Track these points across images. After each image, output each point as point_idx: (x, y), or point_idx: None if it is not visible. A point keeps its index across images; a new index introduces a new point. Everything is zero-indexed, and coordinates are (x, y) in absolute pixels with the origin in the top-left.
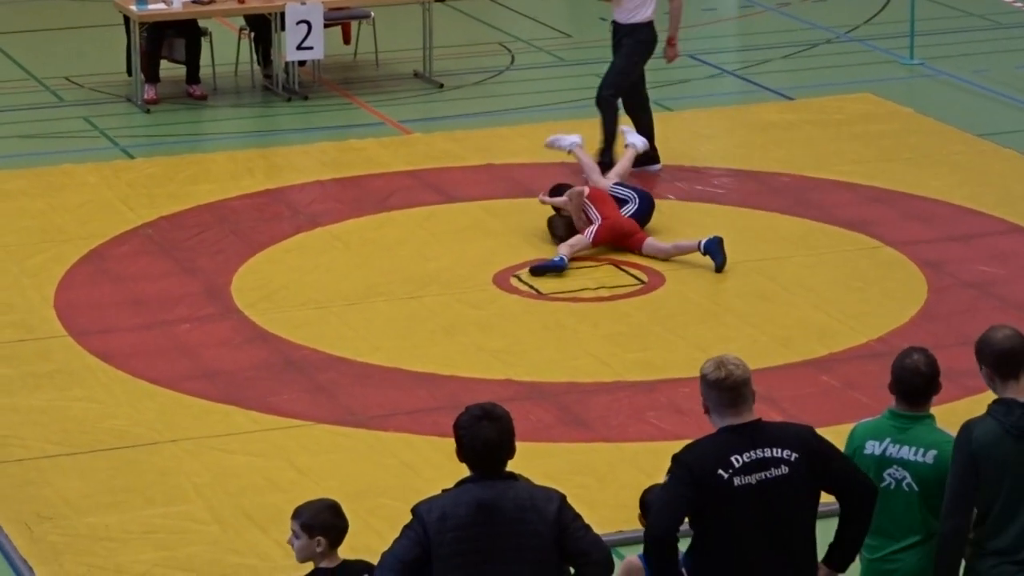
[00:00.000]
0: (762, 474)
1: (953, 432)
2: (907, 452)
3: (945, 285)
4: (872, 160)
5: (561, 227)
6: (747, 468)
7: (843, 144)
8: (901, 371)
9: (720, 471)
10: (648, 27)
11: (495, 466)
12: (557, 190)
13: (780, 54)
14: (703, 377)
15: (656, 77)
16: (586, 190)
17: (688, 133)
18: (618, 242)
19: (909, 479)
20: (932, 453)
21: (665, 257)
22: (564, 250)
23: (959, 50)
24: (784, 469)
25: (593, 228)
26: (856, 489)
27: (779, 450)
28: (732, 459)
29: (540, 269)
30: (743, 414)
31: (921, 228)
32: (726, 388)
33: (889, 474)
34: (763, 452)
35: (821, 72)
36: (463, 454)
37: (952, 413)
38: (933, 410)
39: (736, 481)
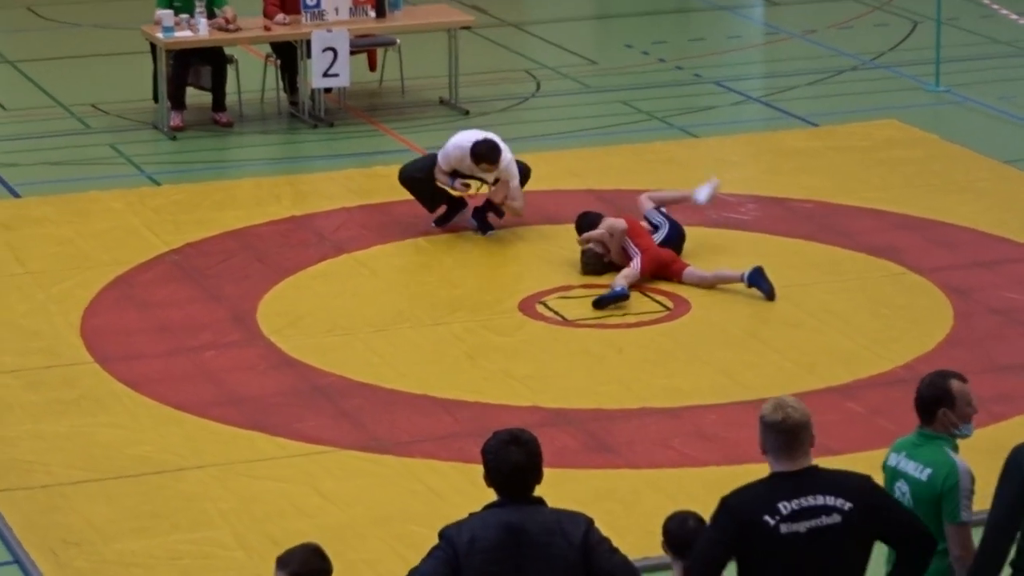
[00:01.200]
0: (812, 522)
1: (971, 456)
2: (911, 467)
3: (971, 311)
4: (897, 186)
5: (595, 262)
6: (795, 515)
7: (868, 170)
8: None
9: (766, 517)
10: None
11: (523, 490)
12: (585, 219)
13: (805, 81)
14: (761, 419)
15: (681, 104)
16: (625, 224)
17: (713, 160)
18: (660, 271)
19: (909, 494)
20: (928, 471)
21: (708, 286)
22: (622, 281)
23: (985, 77)
24: (836, 518)
25: (638, 259)
26: (912, 539)
27: (832, 498)
28: (780, 506)
29: (603, 301)
30: (798, 459)
31: (947, 254)
32: (783, 431)
33: (898, 487)
34: (814, 500)
35: (846, 99)
36: (491, 478)
37: (977, 439)
38: None
39: (783, 528)
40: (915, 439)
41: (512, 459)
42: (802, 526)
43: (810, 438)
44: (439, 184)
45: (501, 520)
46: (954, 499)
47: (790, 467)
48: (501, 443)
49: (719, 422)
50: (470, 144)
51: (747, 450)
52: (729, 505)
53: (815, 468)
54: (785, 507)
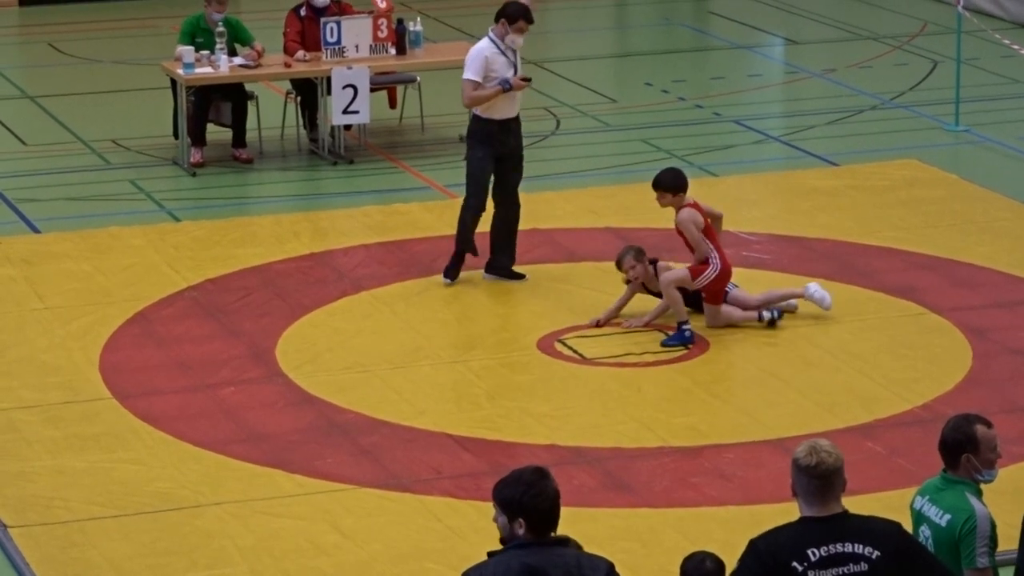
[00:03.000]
0: (839, 569)
1: (989, 497)
2: (933, 512)
3: (990, 352)
4: (917, 226)
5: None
6: (823, 562)
7: (888, 210)
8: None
9: (794, 563)
10: (483, 122)
11: (546, 528)
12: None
13: (825, 120)
14: (794, 461)
15: (702, 143)
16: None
17: (733, 199)
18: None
19: (931, 539)
20: (947, 517)
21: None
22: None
23: (1005, 117)
24: (863, 566)
25: (717, 263)
26: None
27: (860, 546)
28: (808, 552)
29: (670, 342)
30: (829, 504)
31: (966, 295)
32: (816, 476)
33: (921, 531)
34: (842, 547)
35: (866, 138)
36: (524, 514)
37: (997, 480)
38: None
39: (810, 575)
40: (939, 483)
41: (549, 493)
42: (829, 573)
43: (842, 483)
44: (487, 97)
45: (523, 563)
46: (971, 544)
47: (820, 512)
48: (535, 475)
49: (738, 461)
50: (485, 39)
51: (766, 490)
52: (758, 548)
53: (846, 514)
54: (814, 553)
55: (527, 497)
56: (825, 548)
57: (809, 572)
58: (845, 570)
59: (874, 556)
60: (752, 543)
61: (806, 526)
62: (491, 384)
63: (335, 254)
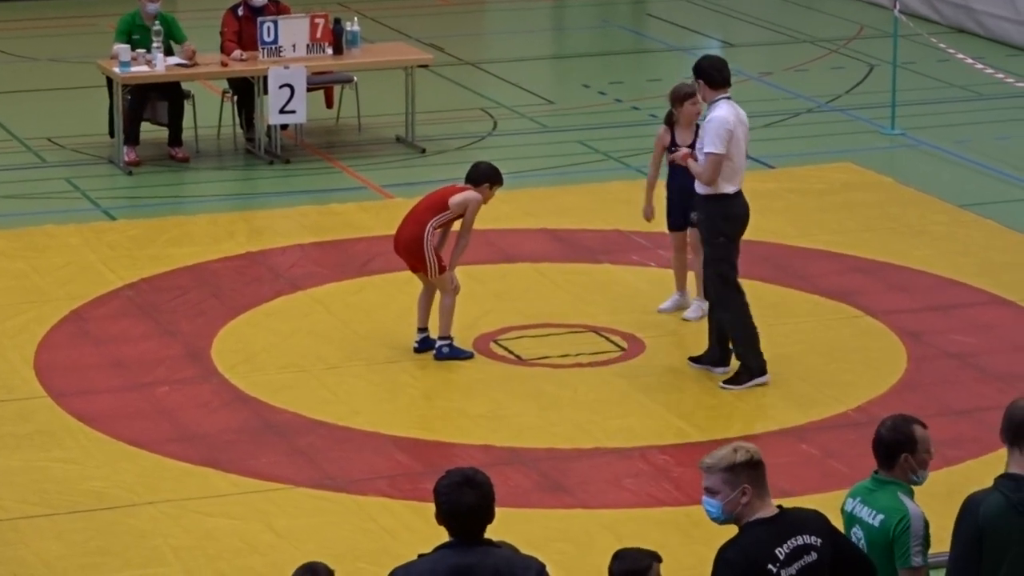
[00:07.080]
0: (800, 563)
1: (923, 500)
2: (865, 513)
3: (925, 355)
4: (853, 230)
5: None
6: (789, 559)
7: (824, 214)
8: (874, 434)
9: (770, 566)
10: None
11: (474, 532)
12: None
13: (762, 123)
14: (732, 467)
15: (639, 145)
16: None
17: None
18: None
19: (864, 540)
20: (880, 517)
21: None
22: None
23: (940, 120)
24: (814, 555)
25: None
26: (861, 569)
27: (809, 536)
28: (776, 552)
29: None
30: (768, 501)
31: (902, 298)
32: (757, 463)
33: (853, 532)
34: (795, 541)
35: (803, 141)
36: (442, 519)
37: (931, 483)
38: None
39: (783, 573)
40: (870, 484)
41: (465, 501)
42: (793, 568)
43: None
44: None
45: (451, 563)
46: (905, 544)
47: (767, 511)
48: (454, 484)
49: (672, 463)
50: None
51: (701, 491)
52: (732, 561)
53: (783, 508)
54: (781, 552)
55: (445, 506)
56: (787, 544)
57: (782, 571)
58: (803, 563)
59: (819, 544)
60: (725, 560)
61: (762, 528)
62: (427, 384)
63: (271, 253)
